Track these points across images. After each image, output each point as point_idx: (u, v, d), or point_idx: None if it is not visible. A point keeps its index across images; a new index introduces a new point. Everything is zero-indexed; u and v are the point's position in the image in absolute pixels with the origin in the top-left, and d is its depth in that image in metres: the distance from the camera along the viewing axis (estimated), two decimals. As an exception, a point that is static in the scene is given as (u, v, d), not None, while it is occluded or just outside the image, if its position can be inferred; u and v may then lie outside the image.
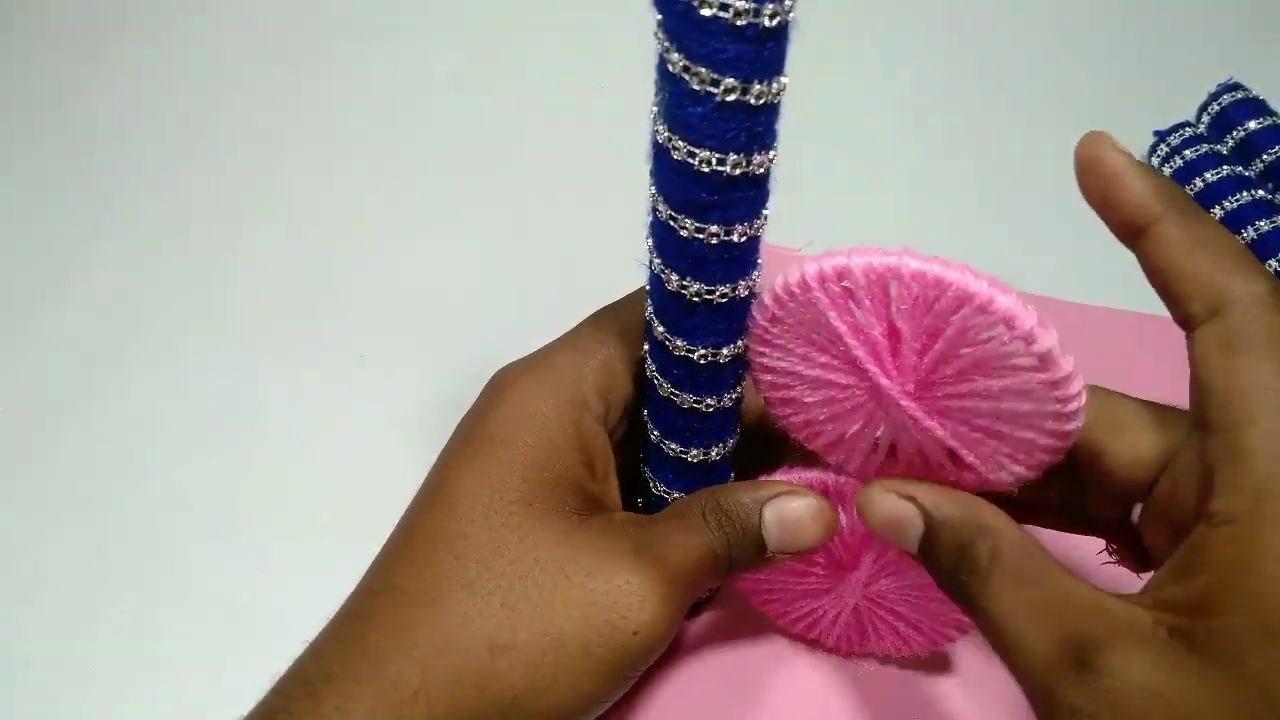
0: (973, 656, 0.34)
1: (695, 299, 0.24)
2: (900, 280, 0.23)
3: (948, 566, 0.24)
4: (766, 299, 0.25)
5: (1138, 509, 0.26)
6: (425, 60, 0.58)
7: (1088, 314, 0.45)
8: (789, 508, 0.27)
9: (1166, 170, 0.51)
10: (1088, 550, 0.29)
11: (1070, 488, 0.27)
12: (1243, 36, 0.59)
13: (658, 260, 0.25)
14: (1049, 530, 0.29)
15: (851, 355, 0.25)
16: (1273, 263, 0.46)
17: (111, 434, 0.41)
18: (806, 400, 0.27)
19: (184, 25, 0.60)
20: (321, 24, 0.60)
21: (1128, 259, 0.26)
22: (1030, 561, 0.23)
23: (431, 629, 0.25)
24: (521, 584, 0.26)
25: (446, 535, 0.26)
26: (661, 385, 0.27)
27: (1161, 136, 0.51)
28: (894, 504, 0.25)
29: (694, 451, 0.28)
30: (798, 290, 0.24)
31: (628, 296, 0.30)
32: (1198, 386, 0.24)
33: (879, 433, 0.26)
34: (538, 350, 0.30)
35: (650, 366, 0.27)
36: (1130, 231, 0.25)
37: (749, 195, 0.23)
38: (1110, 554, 0.28)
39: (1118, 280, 0.46)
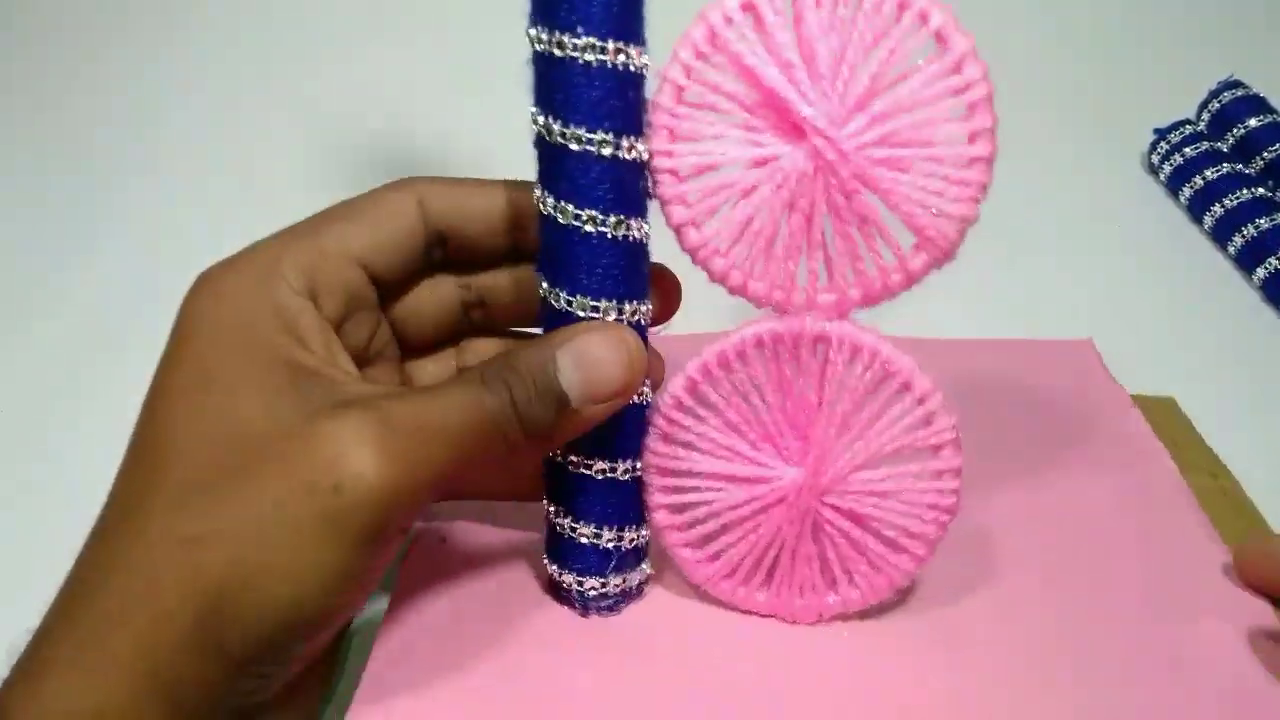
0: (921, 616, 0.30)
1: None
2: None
3: None
4: (672, 73, 0.24)
5: None
6: (427, 61, 0.58)
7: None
8: (584, 342, 0.24)
9: (1167, 168, 0.50)
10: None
11: None
12: (1242, 35, 0.58)
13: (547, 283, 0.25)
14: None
15: (768, 89, 0.24)
16: (1273, 261, 0.45)
17: (111, 434, 0.41)
18: (727, 210, 0.25)
19: (183, 26, 0.61)
20: (321, 25, 0.61)
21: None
22: None
23: (126, 545, 0.22)
24: (220, 470, 0.22)
25: (151, 442, 0.24)
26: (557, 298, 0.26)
27: (1162, 134, 0.51)
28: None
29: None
30: (708, 49, 0.24)
31: (370, 191, 0.28)
32: None
33: (810, 210, 0.25)
34: None
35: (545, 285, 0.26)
36: None
37: (618, 184, 0.24)
38: None
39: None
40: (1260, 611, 0.29)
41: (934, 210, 0.24)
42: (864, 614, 0.29)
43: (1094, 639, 0.29)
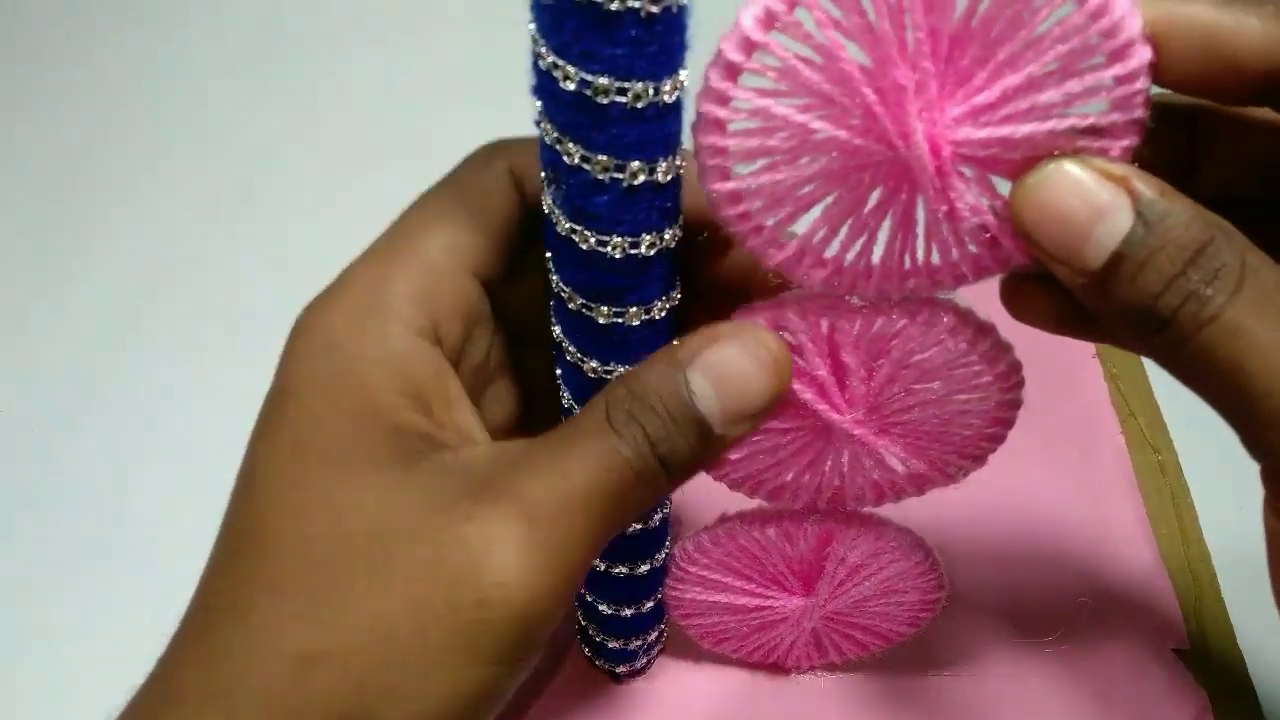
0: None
1: None
2: (840, 314, 0.22)
3: (1159, 283, 0.18)
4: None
5: None
6: (424, 60, 0.57)
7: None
8: (720, 357, 0.20)
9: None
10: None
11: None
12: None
13: (574, 349, 0.23)
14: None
15: (798, 400, 0.24)
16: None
17: (112, 433, 0.41)
18: (748, 452, 0.26)
19: (182, 25, 0.59)
20: (319, 24, 0.59)
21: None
22: None
23: (233, 650, 0.20)
24: (329, 571, 0.19)
25: (247, 529, 0.21)
26: None
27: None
28: (1093, 187, 0.18)
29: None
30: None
31: (456, 171, 0.24)
32: None
33: (827, 469, 0.26)
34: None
35: None
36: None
37: (662, 271, 0.21)
38: None
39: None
40: (1173, 633, 0.34)
41: (944, 470, 0.25)
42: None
43: (1029, 654, 0.33)
